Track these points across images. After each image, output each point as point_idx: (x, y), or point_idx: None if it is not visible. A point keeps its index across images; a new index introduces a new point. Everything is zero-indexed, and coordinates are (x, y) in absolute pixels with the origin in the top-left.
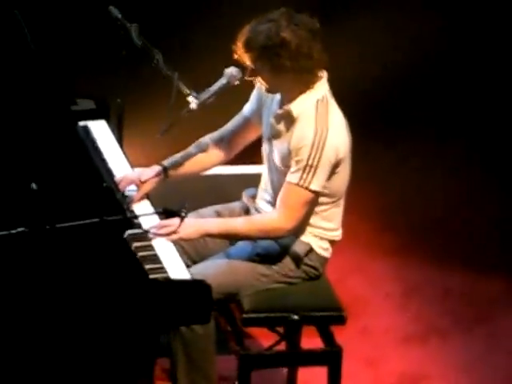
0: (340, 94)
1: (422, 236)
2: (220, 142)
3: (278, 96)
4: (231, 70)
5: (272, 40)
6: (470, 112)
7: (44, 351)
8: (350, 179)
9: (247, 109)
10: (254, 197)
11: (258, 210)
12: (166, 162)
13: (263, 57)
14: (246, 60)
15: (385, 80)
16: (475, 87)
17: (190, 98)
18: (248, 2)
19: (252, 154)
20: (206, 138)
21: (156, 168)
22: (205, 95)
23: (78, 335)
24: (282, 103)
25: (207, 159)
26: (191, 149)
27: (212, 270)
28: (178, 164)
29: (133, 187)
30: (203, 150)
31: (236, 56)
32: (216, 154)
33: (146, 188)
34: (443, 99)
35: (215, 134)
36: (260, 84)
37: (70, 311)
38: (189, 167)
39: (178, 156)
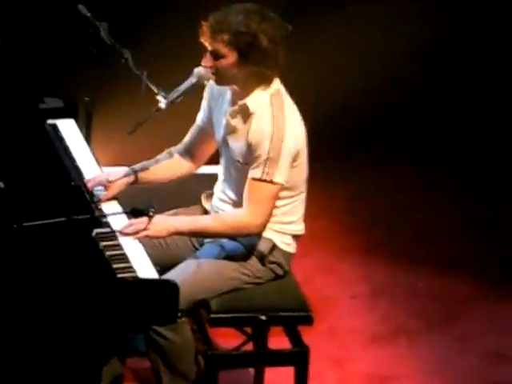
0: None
1: (390, 237)
2: (185, 154)
3: (227, 96)
4: (200, 69)
5: (249, 28)
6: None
7: (9, 349)
8: (309, 174)
9: (199, 118)
10: (210, 197)
11: (216, 211)
12: (135, 167)
13: (235, 42)
14: (214, 42)
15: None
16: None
17: (159, 98)
18: (216, 2)
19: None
20: (173, 149)
21: (125, 170)
22: (174, 94)
23: (44, 333)
24: (233, 101)
25: (176, 169)
26: (160, 157)
27: (180, 279)
28: (147, 170)
29: (101, 187)
30: (171, 160)
31: (202, 36)
32: (183, 164)
33: (115, 189)
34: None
35: (180, 147)
36: (211, 74)
37: (36, 310)
38: (158, 174)
39: (147, 162)
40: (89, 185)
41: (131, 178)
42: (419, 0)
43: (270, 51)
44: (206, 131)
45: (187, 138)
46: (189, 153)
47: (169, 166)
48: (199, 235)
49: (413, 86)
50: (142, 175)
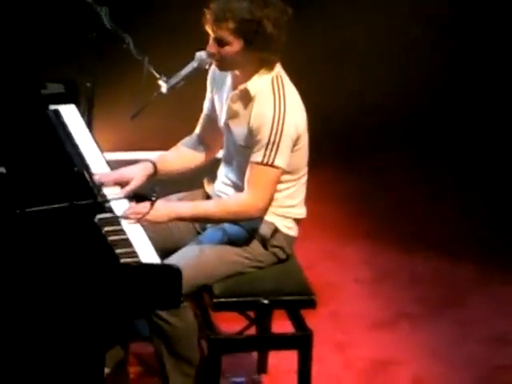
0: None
1: (392, 222)
2: (199, 144)
3: (228, 80)
4: (202, 54)
5: (253, 15)
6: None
7: (12, 335)
8: (312, 159)
9: (205, 107)
10: (212, 181)
11: (218, 195)
12: (153, 159)
13: (240, 30)
14: (219, 30)
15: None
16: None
17: (160, 82)
18: None
19: None
20: (187, 140)
21: (141, 164)
22: (175, 79)
23: (47, 319)
24: (234, 85)
25: (192, 160)
26: (176, 149)
27: (183, 264)
28: (165, 161)
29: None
30: (187, 151)
31: (206, 23)
32: (199, 154)
33: (136, 184)
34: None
35: (193, 137)
36: (215, 61)
37: (39, 296)
38: (175, 166)
39: (164, 154)
40: (97, 178)
41: (150, 171)
42: None
43: (274, 37)
44: (214, 119)
45: (198, 128)
46: (202, 143)
47: (185, 157)
48: (201, 221)
49: (417, 86)
50: (160, 167)
